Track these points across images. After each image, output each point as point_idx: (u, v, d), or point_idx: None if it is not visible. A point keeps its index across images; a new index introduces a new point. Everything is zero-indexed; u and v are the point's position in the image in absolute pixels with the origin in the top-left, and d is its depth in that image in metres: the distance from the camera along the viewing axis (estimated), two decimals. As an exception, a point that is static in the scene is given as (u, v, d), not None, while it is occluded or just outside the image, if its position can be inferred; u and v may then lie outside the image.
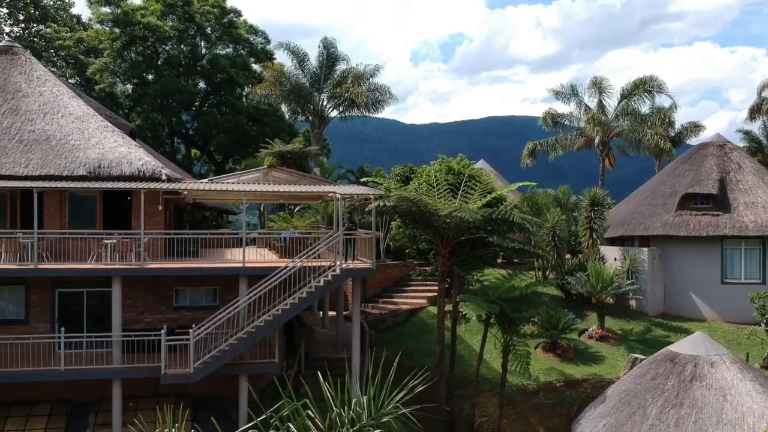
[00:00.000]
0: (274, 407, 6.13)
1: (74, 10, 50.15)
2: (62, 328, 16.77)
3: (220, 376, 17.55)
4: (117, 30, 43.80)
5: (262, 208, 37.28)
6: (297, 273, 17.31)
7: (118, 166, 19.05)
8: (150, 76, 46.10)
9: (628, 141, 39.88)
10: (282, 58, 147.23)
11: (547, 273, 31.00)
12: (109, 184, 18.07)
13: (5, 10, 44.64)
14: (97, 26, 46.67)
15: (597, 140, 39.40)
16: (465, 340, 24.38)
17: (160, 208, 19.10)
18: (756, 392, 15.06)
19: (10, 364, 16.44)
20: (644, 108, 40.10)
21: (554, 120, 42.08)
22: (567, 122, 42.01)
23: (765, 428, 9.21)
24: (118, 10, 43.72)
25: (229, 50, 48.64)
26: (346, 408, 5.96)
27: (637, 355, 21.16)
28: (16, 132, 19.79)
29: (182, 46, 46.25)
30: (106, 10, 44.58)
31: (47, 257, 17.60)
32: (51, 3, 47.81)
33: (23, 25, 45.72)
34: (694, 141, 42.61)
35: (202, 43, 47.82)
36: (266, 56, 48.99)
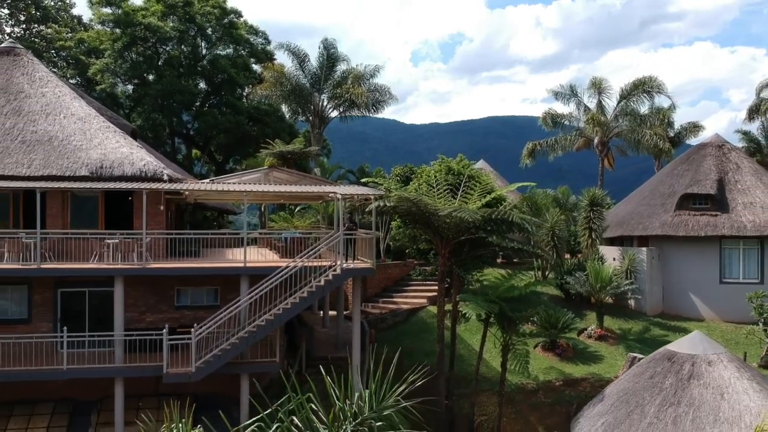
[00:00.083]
0: (279, 402, 6.26)
1: (75, 11, 50.28)
2: (65, 328, 16.90)
3: (222, 375, 17.66)
4: (118, 31, 43.96)
5: (262, 209, 37.45)
6: (298, 273, 17.43)
7: (120, 167, 19.17)
8: (151, 77, 46.25)
9: (628, 141, 40.09)
10: (282, 58, 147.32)
11: (547, 273, 31.14)
12: (111, 185, 18.18)
13: (6, 11, 44.78)
14: (98, 27, 46.80)
15: (596, 140, 39.55)
16: (465, 339, 24.51)
17: (162, 208, 19.23)
18: (753, 391, 15.16)
19: (13, 363, 16.55)
20: (643, 108, 40.34)
21: (554, 120, 42.25)
22: (567, 122, 42.21)
23: (756, 426, 9.31)
24: (119, 11, 43.87)
25: (230, 51, 48.78)
26: (348, 402, 6.10)
27: (635, 355, 21.28)
28: (18, 133, 19.92)
29: (183, 47, 46.39)
30: (107, 10, 44.73)
31: (50, 257, 17.72)
32: (52, 4, 47.92)
33: (24, 25, 45.84)
34: (693, 141, 42.75)
35: (203, 44, 47.97)
36: (266, 57, 49.14)
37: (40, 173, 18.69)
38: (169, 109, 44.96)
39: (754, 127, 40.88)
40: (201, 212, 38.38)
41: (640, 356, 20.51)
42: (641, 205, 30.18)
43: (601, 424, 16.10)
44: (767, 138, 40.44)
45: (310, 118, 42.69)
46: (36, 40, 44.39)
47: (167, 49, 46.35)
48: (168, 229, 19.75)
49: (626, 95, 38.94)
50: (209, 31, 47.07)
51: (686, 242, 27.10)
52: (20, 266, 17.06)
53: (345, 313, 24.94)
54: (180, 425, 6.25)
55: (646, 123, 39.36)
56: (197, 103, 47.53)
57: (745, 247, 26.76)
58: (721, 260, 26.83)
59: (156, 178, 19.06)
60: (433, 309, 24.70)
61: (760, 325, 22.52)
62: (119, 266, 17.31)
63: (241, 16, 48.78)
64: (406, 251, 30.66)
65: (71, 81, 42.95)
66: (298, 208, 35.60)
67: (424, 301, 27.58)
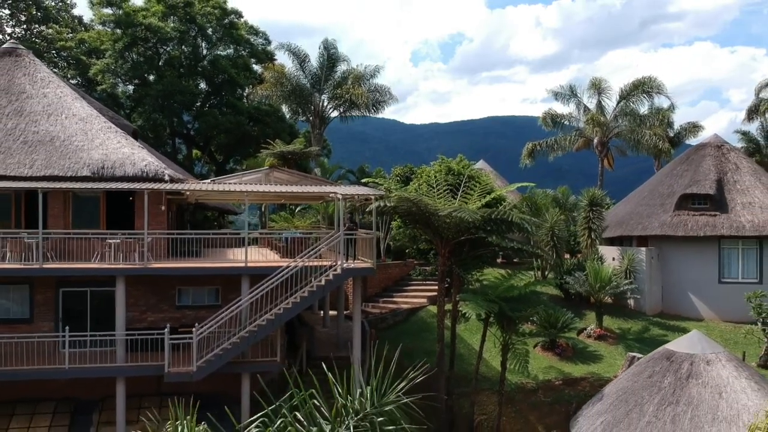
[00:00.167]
0: (283, 398, 6.37)
1: (76, 11, 50.47)
2: (66, 327, 16.99)
3: (223, 374, 17.74)
4: (119, 31, 44.03)
5: (263, 209, 37.54)
6: (298, 272, 17.52)
7: (121, 167, 19.25)
8: (151, 77, 46.32)
9: (627, 141, 40.17)
10: (283, 59, 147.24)
11: (546, 272, 31.23)
12: (113, 185, 18.26)
13: (7, 11, 44.86)
14: (99, 27, 46.88)
15: (596, 141, 39.65)
16: (464, 338, 24.59)
17: (163, 208, 19.31)
18: (751, 389, 15.26)
19: (15, 362, 16.64)
20: (643, 109, 40.42)
21: (554, 120, 42.36)
22: (566, 122, 42.32)
23: (751, 424, 9.38)
24: (120, 12, 43.94)
25: (230, 51, 48.87)
26: (350, 398, 6.19)
27: (634, 354, 21.36)
28: (20, 133, 19.99)
29: (183, 47, 46.46)
30: (108, 11, 44.81)
31: (52, 257, 17.81)
32: (53, 4, 48.00)
33: (25, 26, 45.91)
34: (693, 141, 42.84)
35: (203, 44, 48.06)
36: (267, 57, 49.23)
37: (42, 173, 18.76)
38: (170, 109, 45.05)
39: (753, 128, 41.03)
40: (201, 212, 38.47)
41: (639, 356, 20.60)
42: (640, 205, 30.26)
43: (600, 423, 16.20)
44: (766, 138, 40.55)
45: (311, 118, 42.79)
46: (37, 40, 44.46)
47: (168, 49, 46.43)
48: (169, 229, 19.83)
49: (626, 95, 39.04)
50: (210, 31, 47.16)
51: (685, 242, 27.19)
52: (22, 266, 17.14)
53: (345, 312, 25.03)
54: (185, 422, 6.34)
55: (646, 123, 39.45)
56: (198, 104, 47.62)
57: (744, 247, 26.85)
58: (720, 260, 26.91)
59: (157, 179, 19.15)
60: (433, 309, 24.78)
61: (759, 324, 22.59)
62: (121, 266, 17.40)
63: (242, 17, 48.88)
64: (406, 251, 30.75)
65: (72, 81, 43.04)
66: (298, 208, 35.69)
67: (424, 300, 27.67)
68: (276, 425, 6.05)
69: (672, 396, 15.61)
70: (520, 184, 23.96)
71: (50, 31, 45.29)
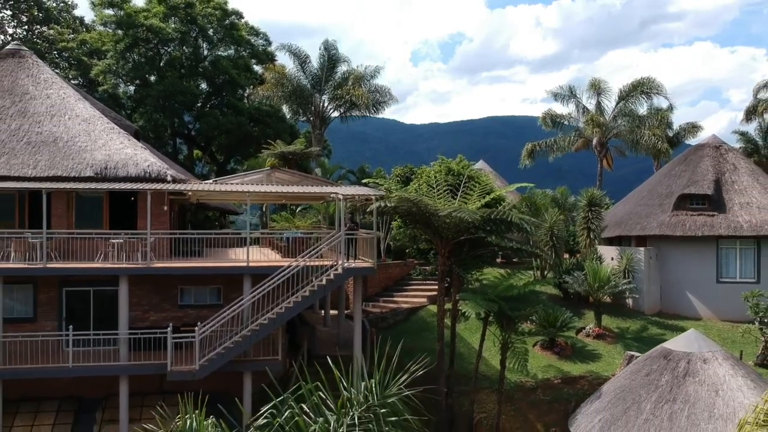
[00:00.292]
0: (289, 390, 6.55)
1: (77, 12, 50.50)
2: (70, 326, 17.15)
3: (225, 372, 17.88)
4: (120, 32, 44.21)
5: (264, 209, 37.69)
6: (299, 272, 17.67)
7: (124, 168, 19.42)
8: (152, 78, 46.48)
9: (626, 142, 40.36)
10: (283, 59, 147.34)
11: (546, 272, 31.39)
12: (116, 185, 18.41)
13: (9, 12, 45.03)
14: (100, 28, 47.05)
15: (595, 141, 39.83)
16: (464, 338, 24.76)
17: (166, 208, 19.48)
18: (747, 388, 15.42)
19: (19, 361, 16.82)
20: (642, 109, 40.62)
21: (553, 121, 42.55)
22: (566, 123, 42.50)
23: (741, 419, 9.53)
24: (121, 13, 44.10)
25: (231, 52, 49.03)
26: (353, 390, 6.37)
27: (633, 353, 21.51)
28: (24, 134, 20.17)
29: (184, 48, 46.63)
30: (109, 12, 44.97)
31: (55, 257, 17.96)
32: (54, 5, 48.16)
33: (26, 26, 46.08)
34: (692, 141, 43.05)
35: (204, 45, 48.23)
36: (267, 58, 49.39)
37: (45, 174, 18.93)
38: (171, 109, 45.21)
39: (752, 128, 41.21)
40: (203, 212, 38.64)
41: (638, 354, 20.75)
42: (639, 205, 30.42)
43: (598, 421, 16.36)
44: (764, 139, 40.71)
45: (311, 118, 42.97)
46: (38, 41, 44.65)
47: (169, 50, 46.60)
48: (171, 229, 20.00)
49: (625, 96, 39.23)
50: (210, 32, 47.32)
51: (683, 242, 27.35)
52: (26, 266, 17.30)
53: (346, 312, 25.19)
54: (194, 416, 6.52)
55: (645, 124, 39.64)
56: (199, 104, 47.78)
57: (742, 246, 27.01)
58: (717, 260, 27.08)
59: (160, 179, 19.31)
60: (433, 308, 24.94)
61: (756, 323, 22.76)
62: (124, 266, 17.56)
63: (242, 18, 49.06)
64: (407, 251, 30.90)
65: (73, 82, 43.20)
66: (299, 209, 35.86)
67: (424, 300, 27.83)
68: (284, 416, 6.23)
69: (669, 394, 15.77)
70: (519, 185, 24.08)
71: (52, 32, 45.49)
